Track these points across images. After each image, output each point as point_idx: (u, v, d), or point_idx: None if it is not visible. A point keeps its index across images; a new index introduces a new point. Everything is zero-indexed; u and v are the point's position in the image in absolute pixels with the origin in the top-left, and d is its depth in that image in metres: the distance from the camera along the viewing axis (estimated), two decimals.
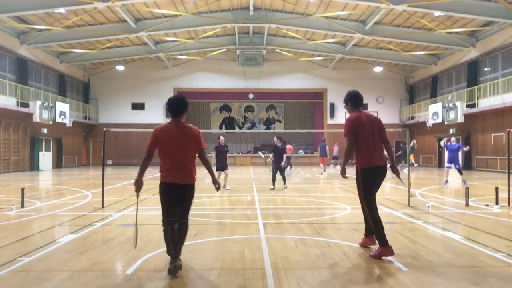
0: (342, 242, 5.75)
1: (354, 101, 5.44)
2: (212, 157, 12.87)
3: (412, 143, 21.65)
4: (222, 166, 12.77)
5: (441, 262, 4.78)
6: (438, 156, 29.42)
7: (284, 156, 13.48)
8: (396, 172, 5.49)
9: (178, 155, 4.57)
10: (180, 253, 4.51)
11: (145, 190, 12.64)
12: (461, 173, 14.86)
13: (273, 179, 13.35)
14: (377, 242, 5.11)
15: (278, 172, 13.36)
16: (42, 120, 24.80)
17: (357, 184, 5.33)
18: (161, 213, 4.57)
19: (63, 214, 8.31)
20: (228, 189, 12.74)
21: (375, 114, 29.57)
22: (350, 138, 5.17)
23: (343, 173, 5.38)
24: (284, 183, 13.60)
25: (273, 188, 13.06)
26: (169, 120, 4.78)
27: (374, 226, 5.08)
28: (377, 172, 5.16)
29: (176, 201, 4.55)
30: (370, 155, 5.14)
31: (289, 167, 26.72)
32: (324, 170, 22.03)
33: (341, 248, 5.43)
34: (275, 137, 13.66)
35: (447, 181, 15.11)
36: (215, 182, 4.90)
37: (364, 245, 5.46)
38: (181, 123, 4.68)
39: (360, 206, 5.47)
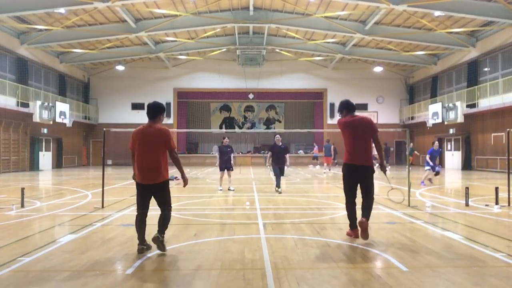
0: (342, 242, 5.75)
1: (348, 108, 6.13)
2: (216, 157, 13.24)
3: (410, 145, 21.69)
4: (225, 166, 12.86)
5: (441, 262, 4.78)
6: (438, 156, 29.39)
7: (287, 156, 12.42)
8: (383, 169, 6.20)
9: (147, 156, 5.12)
10: (163, 236, 5.15)
11: None
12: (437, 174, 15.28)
13: (278, 182, 12.21)
14: (360, 234, 5.76)
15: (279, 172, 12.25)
16: (42, 120, 24.81)
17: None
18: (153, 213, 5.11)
19: (63, 214, 8.30)
20: (233, 190, 12.77)
21: (375, 114, 29.64)
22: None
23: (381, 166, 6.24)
24: (279, 187, 12.19)
25: (281, 192, 12.05)
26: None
27: (347, 210, 6.00)
28: (353, 170, 5.88)
29: (147, 198, 5.25)
30: (351, 154, 5.87)
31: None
32: (329, 170, 22.40)
33: (341, 248, 5.43)
34: (278, 136, 12.49)
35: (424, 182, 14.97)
36: (182, 177, 5.44)
37: (349, 235, 6.06)
38: (154, 126, 5.20)
39: (358, 206, 5.93)
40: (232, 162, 13.07)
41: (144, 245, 5.18)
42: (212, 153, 34.53)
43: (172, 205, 5.38)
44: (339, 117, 6.25)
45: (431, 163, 14.77)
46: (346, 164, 5.97)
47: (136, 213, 5.25)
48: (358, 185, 5.95)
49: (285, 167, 12.41)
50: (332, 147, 22.72)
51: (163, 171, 5.16)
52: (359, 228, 5.78)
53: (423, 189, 13.36)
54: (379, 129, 6.06)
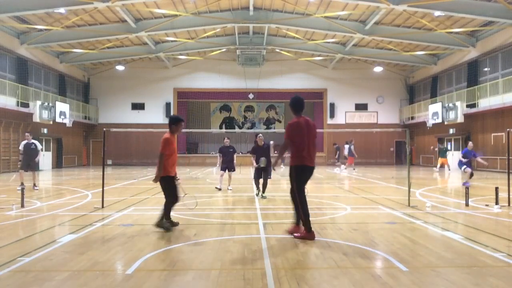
0: (342, 242, 5.75)
1: (294, 107, 6.23)
2: (217, 157, 13.30)
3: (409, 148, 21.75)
4: (226, 167, 12.83)
5: (441, 262, 4.78)
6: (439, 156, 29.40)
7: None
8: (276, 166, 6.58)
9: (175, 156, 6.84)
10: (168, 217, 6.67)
11: (145, 190, 12.64)
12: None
13: (257, 184, 11.09)
14: (301, 229, 5.97)
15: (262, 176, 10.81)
16: (42, 120, 24.81)
17: (290, 178, 6.11)
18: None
19: (63, 214, 8.30)
20: (231, 189, 12.77)
21: (375, 114, 29.70)
22: (287, 140, 6.08)
23: (274, 164, 6.47)
24: (263, 191, 10.80)
25: (258, 194, 11.03)
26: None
27: (303, 214, 5.94)
28: (305, 171, 6.05)
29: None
30: (302, 156, 6.00)
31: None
32: (354, 169, 23.20)
33: (341, 248, 5.43)
34: (260, 135, 11.30)
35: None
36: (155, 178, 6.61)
37: (291, 232, 6.10)
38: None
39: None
40: (234, 162, 12.95)
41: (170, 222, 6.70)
42: (212, 153, 34.57)
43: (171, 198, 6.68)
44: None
45: (463, 161, 13.95)
46: (298, 166, 5.99)
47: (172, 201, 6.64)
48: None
49: (279, 168, 11.16)
50: (352, 147, 23.34)
51: (157, 170, 6.61)
52: (294, 234, 6.03)
53: (422, 189, 13.35)
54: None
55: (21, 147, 13.44)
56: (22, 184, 12.77)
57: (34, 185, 12.76)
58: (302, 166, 6.00)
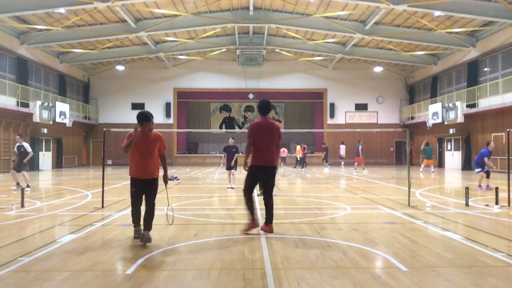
0: (342, 242, 5.75)
1: (259, 109, 6.60)
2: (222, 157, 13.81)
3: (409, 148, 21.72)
4: (229, 166, 13.21)
5: (441, 262, 4.78)
6: (439, 156, 29.42)
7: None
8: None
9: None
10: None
11: None
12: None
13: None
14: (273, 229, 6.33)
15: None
16: (42, 120, 24.81)
17: (246, 175, 6.53)
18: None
19: (63, 214, 8.30)
20: (233, 188, 12.93)
21: (375, 114, 29.77)
22: (249, 140, 6.42)
23: (244, 165, 6.59)
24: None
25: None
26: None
27: (248, 209, 6.41)
28: (260, 170, 6.38)
29: None
30: (258, 156, 6.34)
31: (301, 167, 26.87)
32: (363, 169, 23.37)
33: (341, 248, 5.43)
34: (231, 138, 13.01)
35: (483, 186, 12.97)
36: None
37: (264, 230, 6.38)
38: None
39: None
40: (233, 161, 13.16)
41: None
42: (212, 153, 34.58)
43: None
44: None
45: (487, 164, 12.72)
46: (254, 166, 6.40)
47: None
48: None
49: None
50: (360, 147, 23.54)
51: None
52: (267, 232, 6.30)
53: (422, 189, 13.35)
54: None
55: (15, 149, 13.67)
56: (17, 184, 12.83)
57: (27, 186, 12.79)
58: (257, 166, 6.36)
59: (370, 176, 19.94)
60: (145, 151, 5.69)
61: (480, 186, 12.88)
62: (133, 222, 5.93)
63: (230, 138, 13.61)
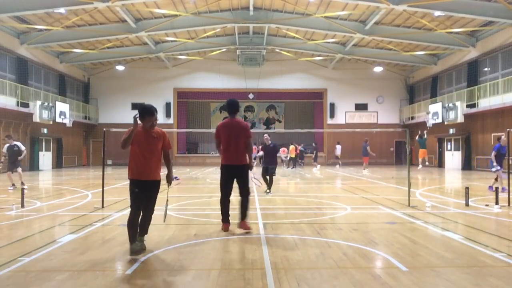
0: (342, 242, 5.75)
1: (228, 109, 6.65)
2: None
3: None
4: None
5: (441, 262, 4.78)
6: (439, 156, 29.43)
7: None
8: (250, 168, 6.74)
9: None
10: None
11: None
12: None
13: (265, 180, 11.93)
14: (248, 225, 6.49)
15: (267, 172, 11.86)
16: (42, 120, 24.81)
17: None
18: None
19: (63, 214, 8.30)
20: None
21: (375, 114, 29.71)
22: (216, 140, 6.64)
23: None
24: (269, 188, 11.81)
25: (267, 191, 11.74)
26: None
27: (221, 207, 6.63)
28: (228, 169, 6.53)
29: None
30: (226, 155, 6.50)
31: (290, 167, 26.82)
32: (364, 168, 23.41)
33: (341, 248, 5.43)
34: (266, 135, 12.39)
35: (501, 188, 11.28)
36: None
37: (241, 227, 6.47)
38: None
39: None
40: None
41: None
42: (212, 153, 34.55)
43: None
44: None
45: (494, 162, 11.88)
46: (223, 165, 6.60)
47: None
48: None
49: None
50: (368, 147, 23.73)
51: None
52: (242, 229, 6.41)
53: (422, 189, 13.34)
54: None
55: (4, 150, 13.57)
56: (13, 185, 12.84)
57: (22, 183, 12.80)
58: (226, 165, 6.54)
59: (370, 176, 19.94)
60: (147, 148, 5.07)
61: (504, 187, 10.99)
62: (129, 235, 4.99)
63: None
